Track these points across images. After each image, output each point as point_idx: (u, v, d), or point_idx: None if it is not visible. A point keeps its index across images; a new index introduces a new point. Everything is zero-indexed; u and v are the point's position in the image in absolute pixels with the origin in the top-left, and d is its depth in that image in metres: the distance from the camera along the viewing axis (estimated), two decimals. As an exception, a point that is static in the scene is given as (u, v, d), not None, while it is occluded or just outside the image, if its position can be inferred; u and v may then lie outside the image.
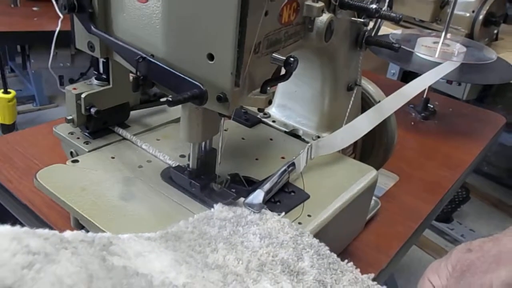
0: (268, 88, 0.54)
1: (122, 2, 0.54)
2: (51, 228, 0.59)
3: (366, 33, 0.73)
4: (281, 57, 0.51)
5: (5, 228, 0.33)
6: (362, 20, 0.70)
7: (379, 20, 0.74)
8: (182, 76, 0.50)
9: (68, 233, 0.38)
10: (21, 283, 0.30)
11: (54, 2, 0.61)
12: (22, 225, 0.35)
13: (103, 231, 0.52)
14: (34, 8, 2.02)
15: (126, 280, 0.36)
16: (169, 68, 0.51)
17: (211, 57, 0.48)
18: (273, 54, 0.52)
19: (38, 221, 0.72)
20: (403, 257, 0.81)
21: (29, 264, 0.31)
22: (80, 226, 0.60)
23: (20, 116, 2.57)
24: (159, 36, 0.51)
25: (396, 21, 0.66)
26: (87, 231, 0.42)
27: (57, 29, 0.68)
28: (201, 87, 0.49)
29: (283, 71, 0.54)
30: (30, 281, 0.30)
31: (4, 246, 0.31)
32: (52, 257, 0.33)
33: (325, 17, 0.59)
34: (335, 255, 0.51)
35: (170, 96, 0.47)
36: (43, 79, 2.62)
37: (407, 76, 2.08)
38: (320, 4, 0.56)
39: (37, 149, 0.90)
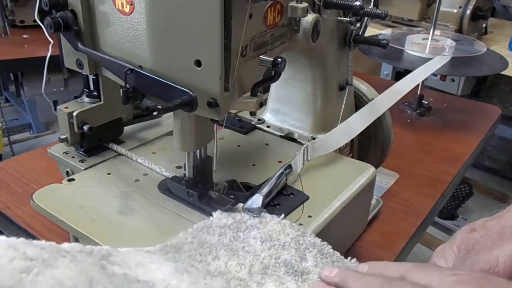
0: (260, 92, 0.54)
1: (107, 17, 0.54)
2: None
3: (354, 32, 0.73)
4: (269, 59, 0.51)
5: (1, 238, 0.33)
6: (348, 19, 0.70)
7: (366, 18, 0.74)
8: (171, 84, 0.50)
9: (66, 244, 0.38)
10: (20, 286, 0.30)
11: (43, 27, 0.61)
12: None
13: (103, 247, 0.52)
14: (25, 36, 2.04)
15: (128, 285, 0.35)
16: (157, 78, 0.51)
17: (198, 63, 0.48)
18: (261, 56, 0.52)
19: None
20: (413, 258, 0.80)
21: (27, 269, 0.30)
22: (80, 245, 0.60)
23: (17, 145, 2.57)
24: (146, 47, 0.51)
25: (382, 18, 0.67)
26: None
27: (48, 54, 0.68)
28: (191, 93, 0.49)
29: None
30: (29, 284, 0.30)
31: (0, 253, 0.31)
32: (50, 263, 0.32)
33: (310, 17, 0.59)
34: (338, 253, 0.51)
35: (160, 104, 0.47)
36: (38, 106, 2.63)
37: (400, 77, 2.08)
38: (304, 4, 0.56)
39: (33, 173, 0.89)
